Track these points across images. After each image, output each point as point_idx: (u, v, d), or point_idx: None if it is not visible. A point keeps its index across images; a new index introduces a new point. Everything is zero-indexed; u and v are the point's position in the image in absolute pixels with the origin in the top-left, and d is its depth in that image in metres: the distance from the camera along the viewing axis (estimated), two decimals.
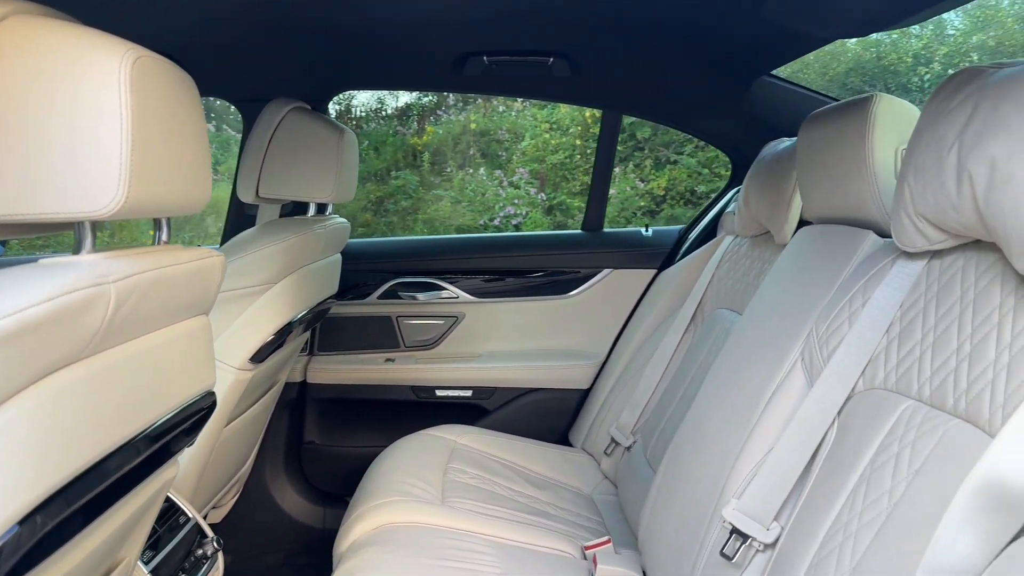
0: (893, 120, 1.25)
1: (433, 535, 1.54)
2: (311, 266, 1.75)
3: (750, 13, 1.53)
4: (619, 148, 6.40)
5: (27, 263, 0.77)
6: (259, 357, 1.61)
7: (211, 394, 1.14)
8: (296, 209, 2.06)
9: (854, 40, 6.57)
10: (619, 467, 1.99)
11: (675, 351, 2.00)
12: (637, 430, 1.99)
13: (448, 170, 7.02)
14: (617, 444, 2.01)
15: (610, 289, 2.32)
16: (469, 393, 2.28)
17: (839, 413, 1.12)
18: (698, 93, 2.07)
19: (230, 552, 2.21)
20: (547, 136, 6.72)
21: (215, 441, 1.62)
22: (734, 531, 1.18)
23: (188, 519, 1.51)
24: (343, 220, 1.99)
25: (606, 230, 2.44)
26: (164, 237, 0.99)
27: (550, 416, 2.30)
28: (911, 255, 1.11)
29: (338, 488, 2.32)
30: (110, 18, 1.54)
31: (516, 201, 6.47)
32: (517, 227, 6.37)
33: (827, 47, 6.90)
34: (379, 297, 2.33)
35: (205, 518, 2.09)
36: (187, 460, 1.57)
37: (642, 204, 6.33)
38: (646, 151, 6.42)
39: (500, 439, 2.07)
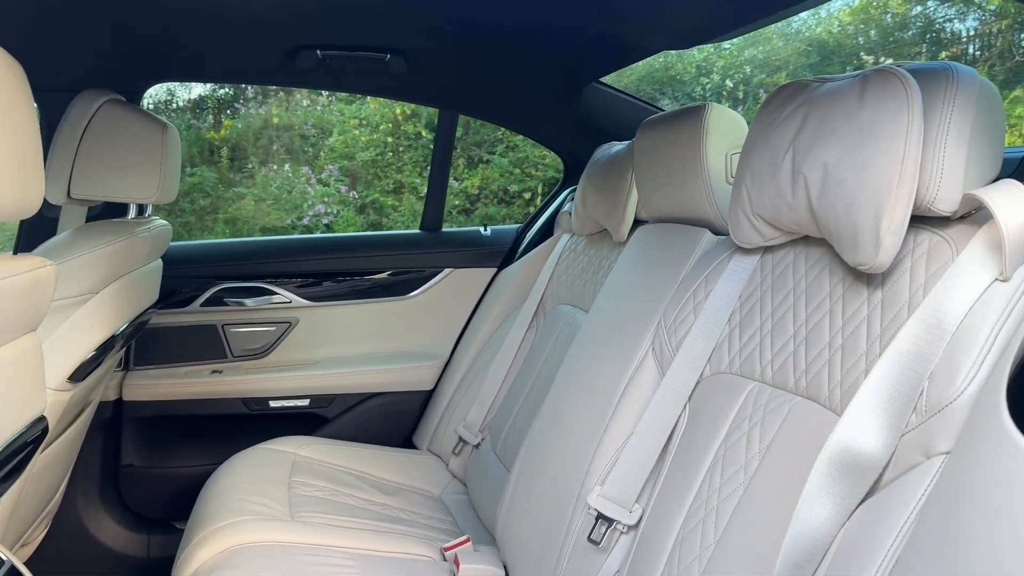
0: (723, 127, 1.37)
1: (286, 552, 1.46)
2: (135, 273, 1.59)
3: (585, 21, 1.61)
4: (431, 147, 6.42)
5: None
6: (79, 376, 1.44)
7: (42, 419, 1.01)
8: (106, 211, 1.86)
9: None
10: (468, 466, 2.01)
11: (519, 347, 2.05)
12: (485, 427, 2.01)
13: (250, 167, 6.69)
14: (465, 443, 2.03)
15: (451, 288, 2.32)
16: (306, 402, 2.19)
17: (690, 398, 1.21)
18: (533, 96, 2.13)
19: None
20: (356, 132, 6.60)
21: (29, 472, 1.43)
22: (599, 516, 1.23)
23: (2, 562, 1.32)
24: (164, 222, 1.83)
25: (445, 229, 2.44)
26: None
27: (393, 420, 2.26)
28: (746, 250, 1.22)
29: (164, 513, 2.13)
30: None
31: (326, 199, 6.30)
32: (328, 226, 6.21)
33: None
34: (202, 304, 2.16)
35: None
36: None
37: (457, 203, 6.41)
38: (459, 150, 6.51)
39: (343, 448, 2.01)
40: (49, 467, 1.59)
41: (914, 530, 0.73)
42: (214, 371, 2.15)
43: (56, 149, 1.51)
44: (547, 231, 2.24)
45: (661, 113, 1.54)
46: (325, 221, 6.23)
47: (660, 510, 1.16)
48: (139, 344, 2.11)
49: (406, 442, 2.26)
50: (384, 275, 2.32)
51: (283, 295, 2.22)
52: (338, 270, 2.29)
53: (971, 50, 5.27)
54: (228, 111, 7.07)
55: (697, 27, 1.58)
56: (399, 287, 2.31)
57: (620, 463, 1.26)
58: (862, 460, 0.82)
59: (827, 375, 0.97)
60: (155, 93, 6.93)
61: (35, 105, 0.89)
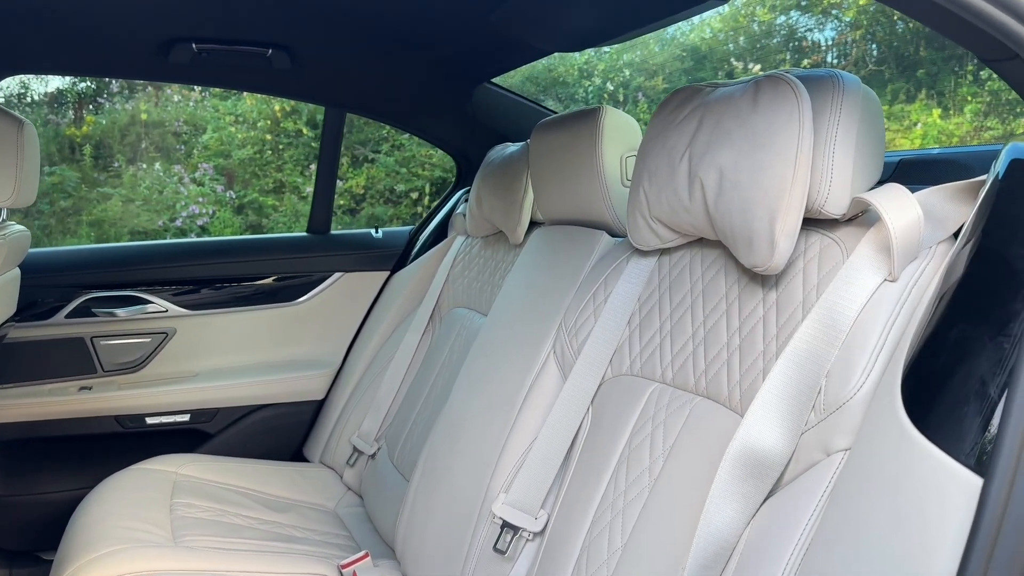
0: (618, 130, 1.38)
1: None
2: None
3: (478, 20, 1.59)
4: (313, 144, 6.26)
5: None
6: None
7: None
8: None
9: None
10: (364, 477, 1.95)
11: (415, 352, 2.00)
12: (381, 436, 1.96)
13: (116, 165, 6.31)
14: (360, 453, 1.96)
15: (341, 293, 2.25)
16: (187, 417, 2.05)
17: (592, 401, 1.22)
18: (423, 95, 2.09)
19: None
20: (232, 130, 6.36)
21: None
22: (504, 525, 1.22)
23: None
24: (21, 227, 1.66)
25: (334, 232, 2.36)
26: None
27: (282, 433, 2.16)
28: (644, 252, 1.24)
29: (28, 544, 1.95)
30: None
31: (201, 199, 6.03)
32: (203, 228, 5.93)
33: None
34: (67, 316, 1.99)
35: None
36: None
37: (342, 203, 6.28)
38: (342, 149, 6.37)
39: (228, 464, 1.90)
40: None
41: (819, 526, 0.75)
42: (83, 388, 1.98)
43: None
44: (441, 233, 2.20)
45: (556, 115, 1.54)
46: (200, 222, 5.95)
47: (566, 515, 1.15)
48: None
49: (296, 455, 2.17)
50: (269, 280, 2.21)
51: (158, 304, 2.08)
52: (218, 276, 2.16)
53: (829, 58, 5.64)
54: (91, 106, 6.64)
55: (589, 30, 1.59)
56: (286, 293, 2.21)
57: (524, 469, 1.25)
58: (764, 459, 0.84)
59: (726, 375, 0.99)
60: (6, 86, 6.40)
61: None
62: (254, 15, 1.61)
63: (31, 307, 1.96)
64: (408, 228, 2.39)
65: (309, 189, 6.17)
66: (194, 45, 1.70)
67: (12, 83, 6.37)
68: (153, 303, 2.08)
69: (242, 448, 2.05)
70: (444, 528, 1.39)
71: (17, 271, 1.67)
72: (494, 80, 2.05)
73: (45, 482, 1.97)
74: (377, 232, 2.38)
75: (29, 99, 6.65)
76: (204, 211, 5.99)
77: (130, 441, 2.03)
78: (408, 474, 1.65)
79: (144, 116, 6.50)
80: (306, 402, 2.17)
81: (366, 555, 1.55)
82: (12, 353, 1.92)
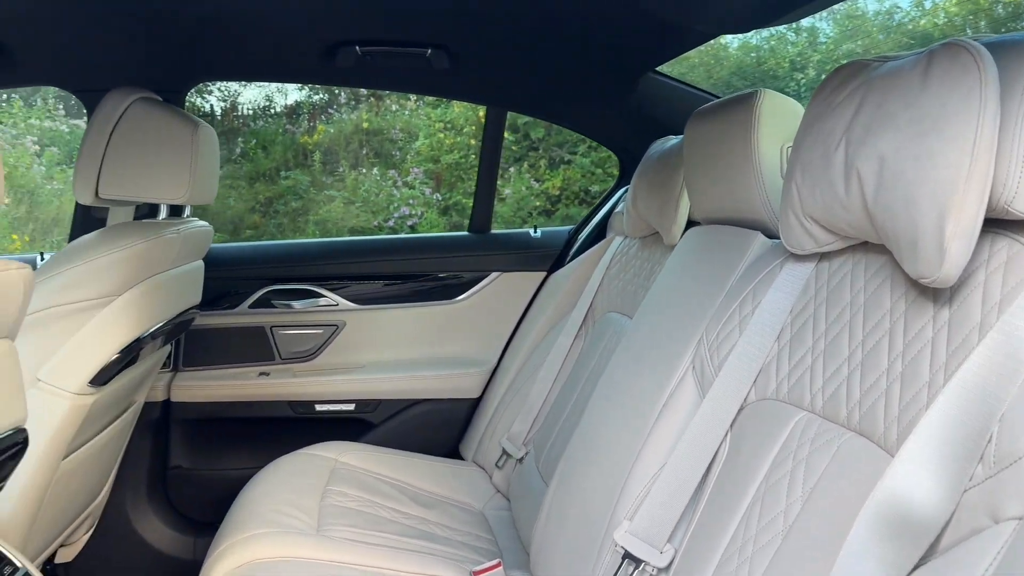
0: (778, 117, 1.21)
1: (306, 571, 1.40)
2: (163, 275, 1.57)
3: (629, 6, 1.47)
4: (513, 148, 6.38)
5: None
6: (101, 379, 1.42)
7: (21, 431, 0.96)
8: (152, 211, 1.85)
9: (736, 44, 6.81)
10: (511, 480, 1.91)
11: (566, 357, 1.93)
12: (529, 440, 1.91)
13: (340, 170, 6.83)
14: (509, 456, 1.93)
15: (499, 293, 2.23)
16: (352, 407, 2.13)
17: (731, 426, 1.07)
18: (583, 89, 2.00)
19: None
20: (442, 135, 6.64)
21: (50, 478, 1.42)
22: (626, 555, 1.11)
23: (16, 569, 1.31)
24: (204, 223, 1.81)
25: (494, 231, 2.35)
26: None
27: (439, 428, 2.18)
28: (800, 257, 1.07)
29: (210, 516, 2.12)
30: None
31: (411, 201, 6.35)
32: (412, 228, 6.25)
33: (710, 50, 7.11)
34: (251, 306, 2.15)
35: (52, 559, 1.86)
36: (16, 503, 1.36)
37: (537, 204, 6.34)
38: (540, 151, 6.43)
39: (386, 455, 1.94)
40: (81, 472, 1.58)
41: None
42: (261, 373, 2.13)
43: (85, 149, 1.50)
44: (600, 233, 2.11)
45: (712, 102, 1.38)
46: (410, 223, 6.28)
47: (692, 554, 1.02)
48: (187, 345, 2.11)
49: (452, 452, 2.18)
50: (431, 278, 2.24)
51: (330, 298, 2.18)
52: (385, 273, 2.23)
53: None
54: (322, 116, 7.25)
55: (756, 9, 1.41)
56: (446, 291, 2.23)
57: (652, 496, 1.13)
58: (914, 516, 0.67)
59: (883, 409, 0.82)
60: (252, 98, 7.18)
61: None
62: (414, 16, 1.62)
63: (221, 298, 2.13)
64: (568, 228, 2.32)
65: (508, 191, 6.31)
66: (358, 48, 1.74)
67: (258, 95, 7.14)
68: (325, 297, 2.18)
69: (401, 440, 2.09)
70: (572, 546, 1.30)
71: (200, 263, 1.82)
72: (659, 69, 1.91)
73: (226, 459, 2.14)
74: (536, 232, 2.33)
75: (272, 111, 7.41)
76: (414, 212, 6.32)
77: (301, 426, 2.14)
78: (549, 482, 1.58)
79: (366, 125, 6.98)
80: (462, 400, 2.18)
81: (498, 564, 1.51)
82: (201, 339, 2.11)
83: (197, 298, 1.84)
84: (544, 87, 2.01)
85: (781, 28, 6.35)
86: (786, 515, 0.88)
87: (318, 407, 2.12)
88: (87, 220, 1.93)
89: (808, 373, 0.97)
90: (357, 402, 2.13)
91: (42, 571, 1.86)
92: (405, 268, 2.24)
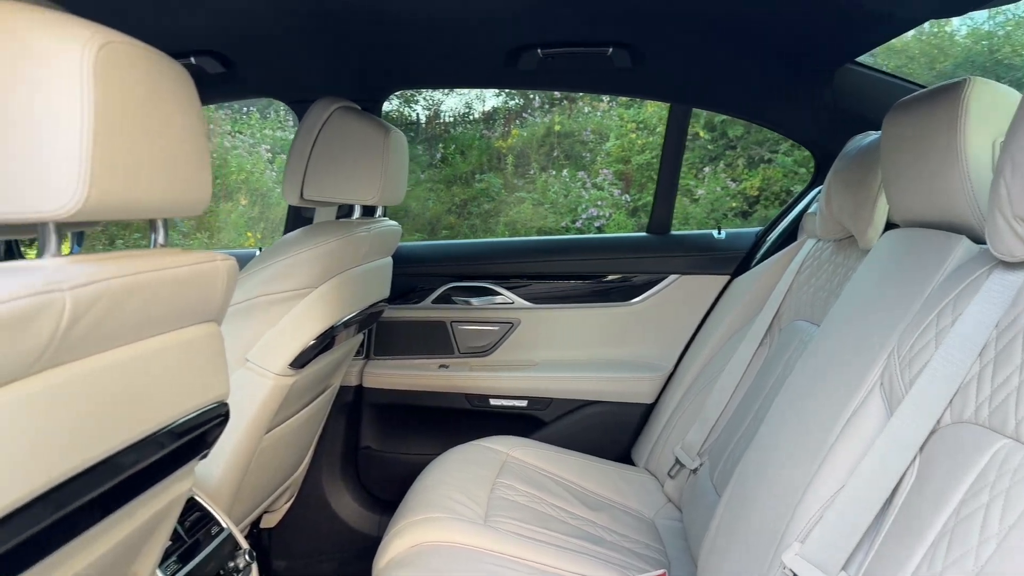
0: (990, 107, 1.07)
1: (471, 558, 1.44)
2: (355, 270, 1.69)
3: None
4: (709, 147, 6.18)
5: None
6: (299, 362, 1.56)
7: (223, 405, 1.08)
8: (351, 211, 2.01)
9: (964, 32, 6.12)
10: (684, 491, 1.85)
11: (748, 366, 1.83)
12: (705, 451, 1.83)
13: (531, 172, 6.99)
14: (682, 466, 1.87)
15: (678, 296, 2.16)
16: (524, 403, 2.18)
17: (921, 450, 0.96)
18: (776, 83, 1.89)
19: (285, 557, 2.19)
20: (633, 136, 6.58)
21: (254, 450, 1.58)
22: None
23: (222, 529, 1.47)
24: (393, 223, 1.93)
25: (674, 232, 2.29)
26: (160, 240, 0.94)
27: (611, 431, 2.16)
28: (1010, 265, 0.94)
29: (393, 495, 2.26)
30: (158, 17, 1.52)
31: (600, 203, 6.36)
32: (600, 229, 6.25)
33: (933, 40, 6.43)
34: (433, 301, 2.26)
35: (258, 524, 2.07)
36: (224, 470, 1.54)
37: (734, 205, 6.10)
38: (738, 149, 6.19)
39: (556, 454, 1.95)
40: (281, 446, 1.74)
41: None
42: (441, 365, 2.23)
43: (292, 155, 1.65)
44: (791, 235, 1.98)
45: (915, 93, 1.25)
46: (597, 224, 6.30)
47: None
48: (378, 335, 2.26)
49: (623, 456, 2.15)
50: (607, 279, 2.22)
51: (506, 296, 2.24)
52: (562, 272, 2.25)
53: None
54: (517, 120, 7.47)
55: None
56: (622, 292, 2.21)
57: (827, 519, 1.04)
58: None
59: None
60: (454, 106, 7.56)
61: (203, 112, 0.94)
62: (595, 17, 1.62)
63: (409, 292, 2.26)
64: (755, 229, 2.20)
65: (701, 191, 6.13)
66: (539, 51, 1.77)
67: (458, 103, 7.50)
68: (502, 295, 2.24)
69: (572, 440, 2.10)
70: (739, 564, 1.23)
71: (389, 260, 1.94)
72: (859, 59, 1.76)
73: (407, 443, 2.26)
74: (720, 233, 2.23)
75: (471, 117, 7.75)
76: (602, 214, 6.33)
77: (476, 418, 2.22)
78: (722, 495, 1.51)
79: (557, 127, 7.10)
80: (636, 404, 2.14)
81: (663, 574, 1.47)
82: (389, 330, 2.25)
83: (386, 292, 1.96)
84: (732, 82, 1.92)
85: (1019, 9, 5.62)
86: (977, 554, 0.78)
87: (492, 401, 2.18)
88: (297, 219, 2.14)
89: (1014, 396, 0.85)
90: (530, 399, 2.17)
91: (249, 533, 2.07)
92: (582, 268, 2.24)
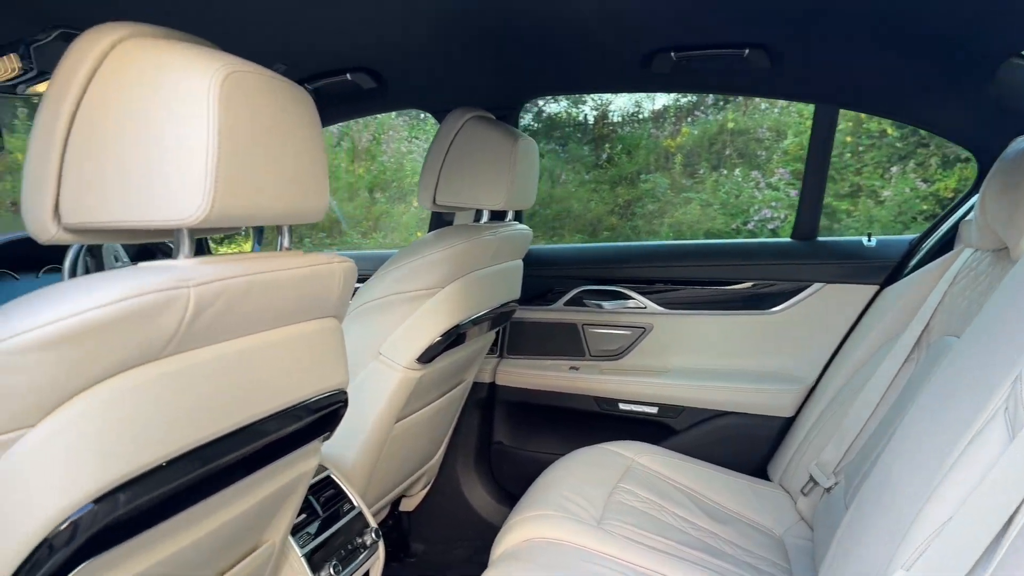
0: None
1: (579, 557, 1.47)
2: (481, 272, 1.77)
3: None
4: (898, 144, 5.74)
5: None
6: (426, 357, 1.66)
7: (342, 393, 1.18)
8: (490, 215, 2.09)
9: None
10: (817, 509, 1.76)
11: (892, 382, 1.71)
12: (840, 470, 1.74)
13: (701, 172, 6.84)
14: (816, 484, 1.78)
15: (822, 306, 2.05)
16: (655, 410, 2.15)
17: None
18: (930, 81, 1.75)
19: (422, 540, 2.32)
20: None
21: (385, 437, 1.70)
22: None
23: (353, 508, 1.60)
24: (523, 227, 1.99)
25: (820, 239, 2.17)
26: (285, 243, 1.05)
27: (745, 444, 2.09)
28: None
29: (523, 490, 2.32)
30: (312, 36, 1.68)
31: (774, 204, 6.10)
32: (773, 231, 6.00)
33: None
34: (565, 304, 2.29)
35: (398, 507, 2.21)
36: (358, 453, 1.67)
37: (924, 208, 5.63)
38: (931, 147, 5.70)
39: (684, 463, 1.92)
40: (411, 436, 1.86)
41: None
42: (572, 367, 2.26)
43: (428, 162, 1.75)
44: (947, 244, 1.82)
45: None
46: (770, 226, 6.06)
47: None
48: (511, 335, 2.33)
49: (758, 471, 2.07)
50: (745, 286, 2.15)
51: (639, 300, 2.23)
52: (695, 278, 2.20)
53: None
54: (688, 118, 7.35)
55: None
56: (762, 300, 2.12)
57: (935, 548, 0.97)
58: None
59: None
60: (623, 105, 7.57)
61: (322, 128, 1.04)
62: (731, 19, 1.59)
63: (543, 294, 2.32)
64: (908, 237, 2.04)
65: (887, 193, 5.72)
66: (673, 54, 1.76)
67: (627, 102, 7.49)
68: (634, 299, 2.23)
69: (703, 451, 2.05)
70: None
71: (519, 262, 2.00)
72: None
73: (536, 441, 2.32)
74: (870, 240, 2.09)
75: (639, 116, 7.73)
76: (776, 215, 6.09)
77: (604, 421, 2.23)
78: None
79: (731, 125, 6.91)
80: (773, 417, 2.06)
81: None
82: (522, 330, 2.31)
83: (516, 293, 2.03)
84: (880, 80, 1.80)
85: None
86: None
87: (622, 406, 2.18)
88: (439, 221, 2.26)
89: None
90: (660, 406, 2.15)
91: (390, 515, 2.22)
92: (718, 274, 2.19)
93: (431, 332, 1.65)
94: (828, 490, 1.73)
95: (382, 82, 1.99)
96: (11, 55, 1.49)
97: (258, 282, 0.91)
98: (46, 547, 0.73)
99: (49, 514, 0.72)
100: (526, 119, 7.50)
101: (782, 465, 1.97)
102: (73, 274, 1.93)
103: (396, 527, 2.27)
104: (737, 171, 6.53)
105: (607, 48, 1.80)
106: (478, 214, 1.97)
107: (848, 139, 5.88)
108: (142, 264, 0.83)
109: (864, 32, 1.59)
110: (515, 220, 2.07)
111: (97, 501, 0.76)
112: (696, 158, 6.86)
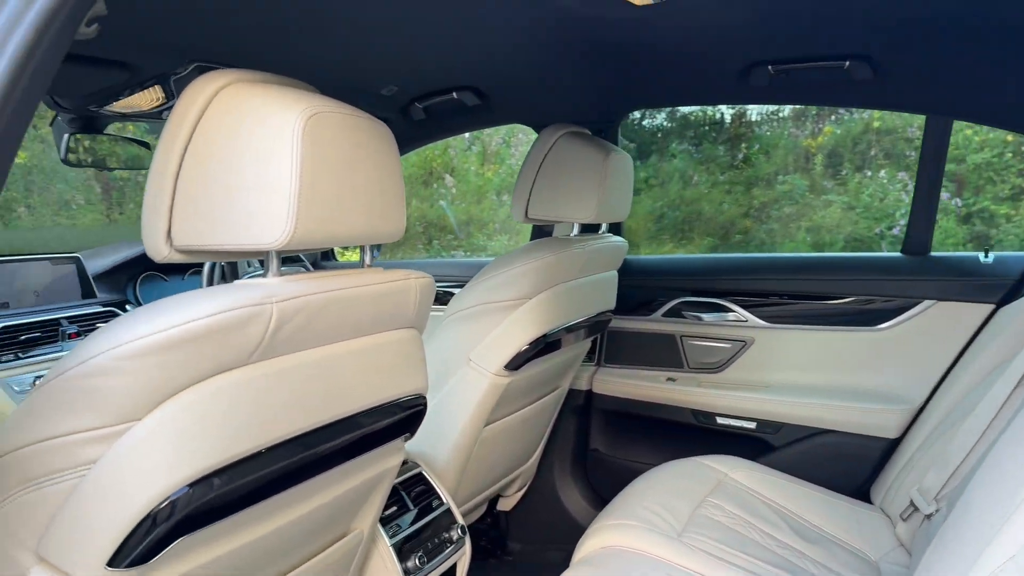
0: None
1: (652, 567, 1.49)
2: (569, 284, 1.82)
3: None
4: None
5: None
6: (513, 365, 1.73)
7: (420, 397, 1.28)
8: (585, 227, 2.15)
9: None
10: (917, 536, 1.69)
11: (1001, 408, 1.62)
12: (942, 497, 1.66)
13: (843, 173, 6.54)
14: (916, 509, 1.70)
15: (932, 324, 1.95)
16: (753, 425, 2.12)
17: None
18: None
19: (520, 540, 2.41)
20: (969, 132, 5.84)
21: (475, 439, 1.79)
22: None
23: (442, 504, 1.71)
24: (616, 239, 2.02)
25: (933, 254, 2.06)
26: (367, 260, 1.16)
27: (846, 463, 2.02)
28: None
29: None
30: (421, 60, 1.80)
31: None
32: None
33: None
34: (663, 315, 2.30)
35: (495, 506, 2.31)
36: (449, 454, 1.77)
37: None
38: None
39: (779, 480, 1.89)
40: (502, 439, 1.94)
41: None
42: (669, 379, 2.27)
43: (521, 177, 1.83)
44: None
45: None
46: None
47: None
48: (608, 344, 2.37)
49: (860, 492, 1.99)
50: (850, 301, 2.08)
51: (739, 313, 2.20)
52: (798, 292, 2.14)
53: None
54: (832, 117, 7.06)
55: None
56: (867, 316, 2.04)
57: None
58: None
59: None
60: (768, 107, 7.38)
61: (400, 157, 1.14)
62: (831, 32, 1.56)
63: (643, 305, 2.34)
64: None
65: None
66: (770, 67, 1.74)
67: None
68: (734, 312, 2.21)
69: (802, 469, 2.00)
70: None
71: (613, 274, 2.04)
72: None
73: (631, 450, 2.34)
74: (987, 256, 1.96)
75: (778, 115, 7.49)
76: None
77: (700, 434, 2.22)
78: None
79: (876, 124, 6.59)
80: (876, 438, 1.98)
81: None
82: (619, 339, 2.34)
83: (610, 303, 2.07)
84: (995, 90, 1.70)
85: None
86: None
87: (719, 419, 2.16)
88: (539, 232, 2.33)
89: None
90: (759, 421, 2.11)
91: (488, 513, 2.32)
92: (823, 288, 2.12)
93: (519, 340, 1.73)
94: (928, 517, 1.65)
95: (485, 99, 2.09)
96: (156, 86, 1.70)
97: (336, 298, 1.02)
98: (149, 520, 0.86)
99: (150, 494, 0.85)
100: (658, 119, 7.49)
101: (884, 488, 1.90)
102: (211, 278, 2.17)
103: (494, 525, 2.37)
104: (883, 172, 6.20)
105: (704, 62, 1.81)
106: (581, 225, 2.03)
107: (1009, 137, 5.45)
108: (238, 282, 0.96)
109: (974, 41, 1.52)
110: (609, 232, 2.11)
111: (192, 485, 0.89)
112: (838, 158, 6.57)
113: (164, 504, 0.87)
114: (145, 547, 0.87)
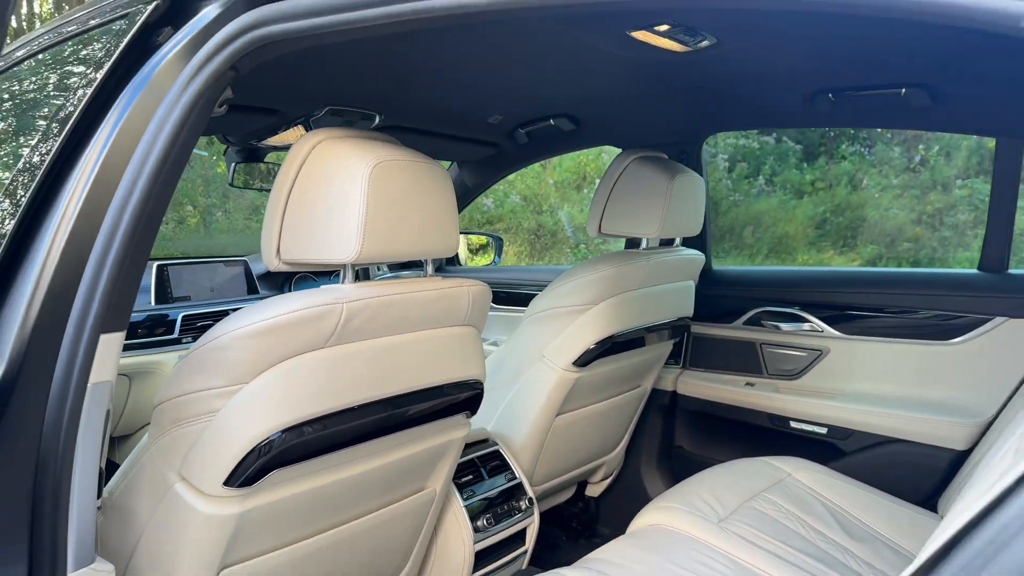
0: None
1: (686, 544, 1.66)
2: (634, 292, 2.04)
3: None
4: None
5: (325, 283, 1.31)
6: (581, 361, 1.98)
7: (477, 382, 1.57)
8: (666, 240, 2.33)
9: None
10: None
11: None
12: None
13: None
14: None
15: (1006, 340, 1.96)
16: (824, 430, 2.22)
17: None
18: None
19: (608, 526, 2.63)
20: None
21: (547, 427, 2.06)
22: None
23: (514, 477, 1.99)
24: (690, 252, 2.20)
25: (1011, 271, 2.05)
26: (429, 270, 1.46)
27: (913, 472, 2.07)
28: None
29: None
30: (524, 92, 2.08)
31: None
32: None
33: None
34: (744, 323, 2.43)
35: (582, 492, 2.55)
36: (525, 437, 2.05)
37: None
38: None
39: (841, 483, 1.98)
40: (575, 430, 2.18)
41: None
42: (747, 383, 2.41)
43: (596, 197, 2.07)
44: None
45: None
46: None
47: None
48: (693, 348, 2.53)
49: (926, 503, 2.04)
50: (923, 315, 2.12)
51: (816, 324, 2.30)
52: (873, 305, 2.21)
53: None
54: None
55: None
56: (942, 331, 2.09)
57: None
58: None
59: None
60: None
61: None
62: (881, 62, 1.68)
63: (727, 313, 2.49)
64: None
65: None
66: (830, 95, 1.87)
67: None
68: (811, 322, 2.31)
69: (868, 475, 2.08)
70: None
71: (688, 283, 2.23)
72: None
73: (712, 449, 2.49)
74: None
75: None
76: None
77: (774, 437, 2.33)
78: None
79: None
80: (944, 449, 2.02)
81: None
82: (702, 344, 2.50)
83: (686, 310, 2.25)
84: None
85: None
86: None
87: (792, 424, 2.27)
88: (629, 243, 2.55)
89: None
90: (830, 427, 2.21)
91: (579, 497, 2.57)
92: (898, 302, 2.18)
93: (587, 340, 1.97)
94: None
95: (579, 124, 2.35)
96: (299, 125, 2.12)
97: (396, 300, 1.33)
98: (255, 453, 1.21)
99: (254, 434, 1.20)
100: None
101: (949, 498, 1.94)
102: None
103: (585, 510, 2.61)
104: None
105: (770, 91, 1.96)
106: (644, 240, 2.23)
107: None
108: (324, 287, 1.30)
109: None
110: (685, 246, 2.30)
111: (284, 431, 1.23)
112: None
113: (264, 442, 1.21)
114: (251, 473, 1.22)
